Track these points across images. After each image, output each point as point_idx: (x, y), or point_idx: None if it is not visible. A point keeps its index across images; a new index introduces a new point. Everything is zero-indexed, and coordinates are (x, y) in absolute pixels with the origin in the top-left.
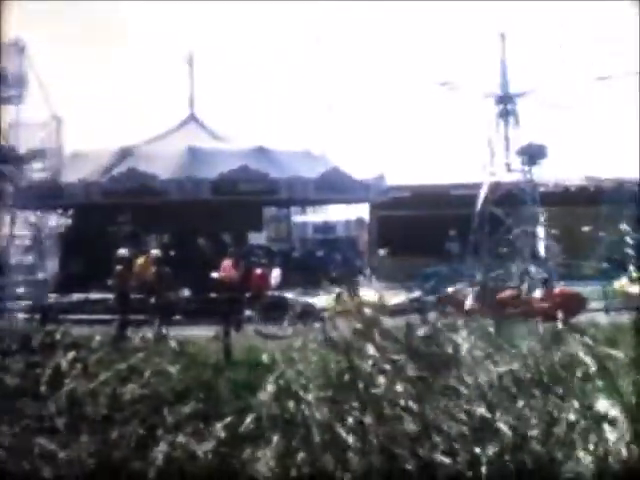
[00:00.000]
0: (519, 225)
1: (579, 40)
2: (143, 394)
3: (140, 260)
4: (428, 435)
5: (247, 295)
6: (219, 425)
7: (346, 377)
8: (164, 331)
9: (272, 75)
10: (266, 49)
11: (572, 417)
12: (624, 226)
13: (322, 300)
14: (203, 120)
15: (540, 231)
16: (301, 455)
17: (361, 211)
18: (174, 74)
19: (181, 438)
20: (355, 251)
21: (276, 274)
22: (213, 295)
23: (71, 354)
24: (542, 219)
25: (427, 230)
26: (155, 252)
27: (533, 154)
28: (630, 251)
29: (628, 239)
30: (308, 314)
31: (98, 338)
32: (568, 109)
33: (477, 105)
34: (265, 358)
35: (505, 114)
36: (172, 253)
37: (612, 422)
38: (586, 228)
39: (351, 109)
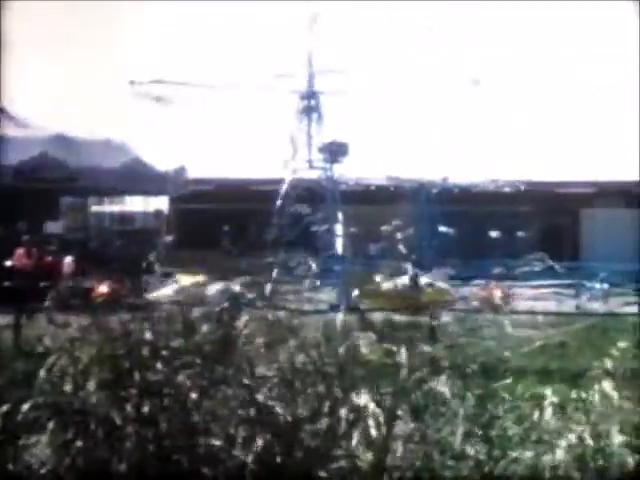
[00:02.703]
0: (319, 222)
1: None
2: None
3: None
4: (207, 423)
5: (41, 284)
6: None
7: (124, 364)
8: None
9: (75, 59)
10: (73, 33)
11: (343, 410)
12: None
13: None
14: (3, 106)
15: (339, 229)
16: (77, 444)
17: (161, 203)
18: None
19: None
20: (152, 243)
21: (68, 262)
22: (6, 283)
23: None
24: (341, 217)
25: (226, 224)
26: None
27: (335, 152)
28: (403, 249)
29: (400, 236)
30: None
31: None
32: (374, 108)
33: (281, 100)
34: (50, 346)
35: (309, 110)
36: None
37: (373, 416)
38: (385, 227)
39: (154, 98)
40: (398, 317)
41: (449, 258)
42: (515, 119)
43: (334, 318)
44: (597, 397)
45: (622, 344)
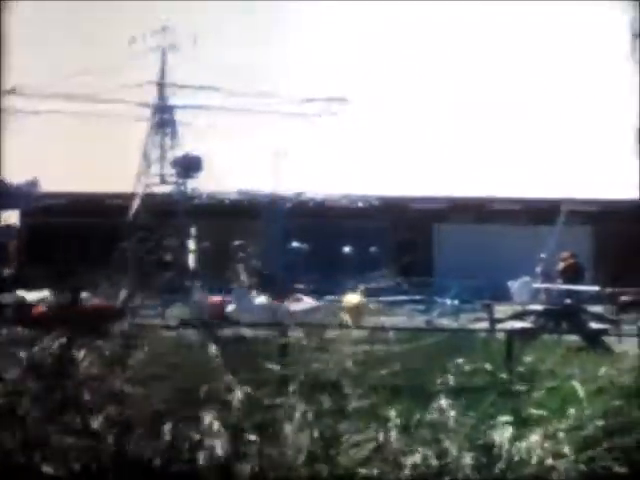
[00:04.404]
0: (170, 237)
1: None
2: None
3: None
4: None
5: None
6: None
7: None
8: None
9: None
10: None
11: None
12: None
13: None
14: None
15: (191, 243)
16: None
17: (11, 217)
18: None
19: None
20: (3, 258)
21: None
22: None
23: None
24: (193, 231)
25: (80, 239)
26: None
27: (188, 166)
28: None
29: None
30: None
31: None
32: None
33: (134, 114)
34: None
35: (162, 124)
36: None
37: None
38: (237, 242)
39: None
40: (250, 332)
41: (301, 273)
42: (372, 135)
43: (181, 335)
44: (434, 414)
45: (460, 360)
